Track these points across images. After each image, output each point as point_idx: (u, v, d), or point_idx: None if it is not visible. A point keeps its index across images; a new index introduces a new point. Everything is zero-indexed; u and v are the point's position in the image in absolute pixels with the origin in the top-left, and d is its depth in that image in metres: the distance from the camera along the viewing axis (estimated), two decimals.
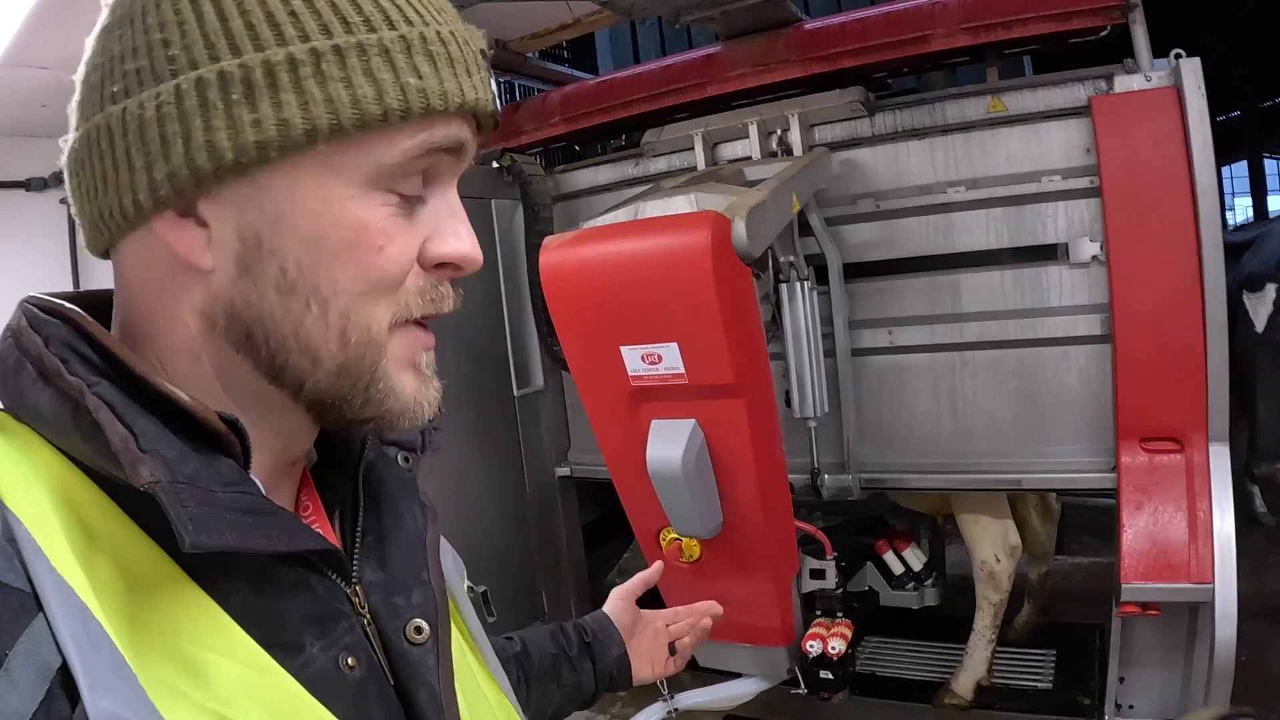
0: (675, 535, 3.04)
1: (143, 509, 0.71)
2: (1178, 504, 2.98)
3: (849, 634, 3.27)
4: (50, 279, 4.83)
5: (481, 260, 0.85)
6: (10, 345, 0.77)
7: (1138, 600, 2.96)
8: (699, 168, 3.66)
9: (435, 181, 0.83)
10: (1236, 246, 3.12)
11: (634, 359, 2.75)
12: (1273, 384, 3.38)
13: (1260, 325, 3.34)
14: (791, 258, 3.23)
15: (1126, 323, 3.07)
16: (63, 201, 4.93)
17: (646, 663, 1.75)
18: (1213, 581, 2.85)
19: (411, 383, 0.85)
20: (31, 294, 0.81)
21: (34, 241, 4.88)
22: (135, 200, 0.75)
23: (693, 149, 3.75)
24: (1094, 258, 3.18)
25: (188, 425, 0.74)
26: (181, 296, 0.79)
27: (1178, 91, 2.92)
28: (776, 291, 3.22)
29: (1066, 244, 3.25)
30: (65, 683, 0.63)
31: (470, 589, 1.16)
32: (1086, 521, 5.57)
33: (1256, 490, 5.22)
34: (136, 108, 0.74)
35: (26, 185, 4.82)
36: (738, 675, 3.36)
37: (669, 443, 2.76)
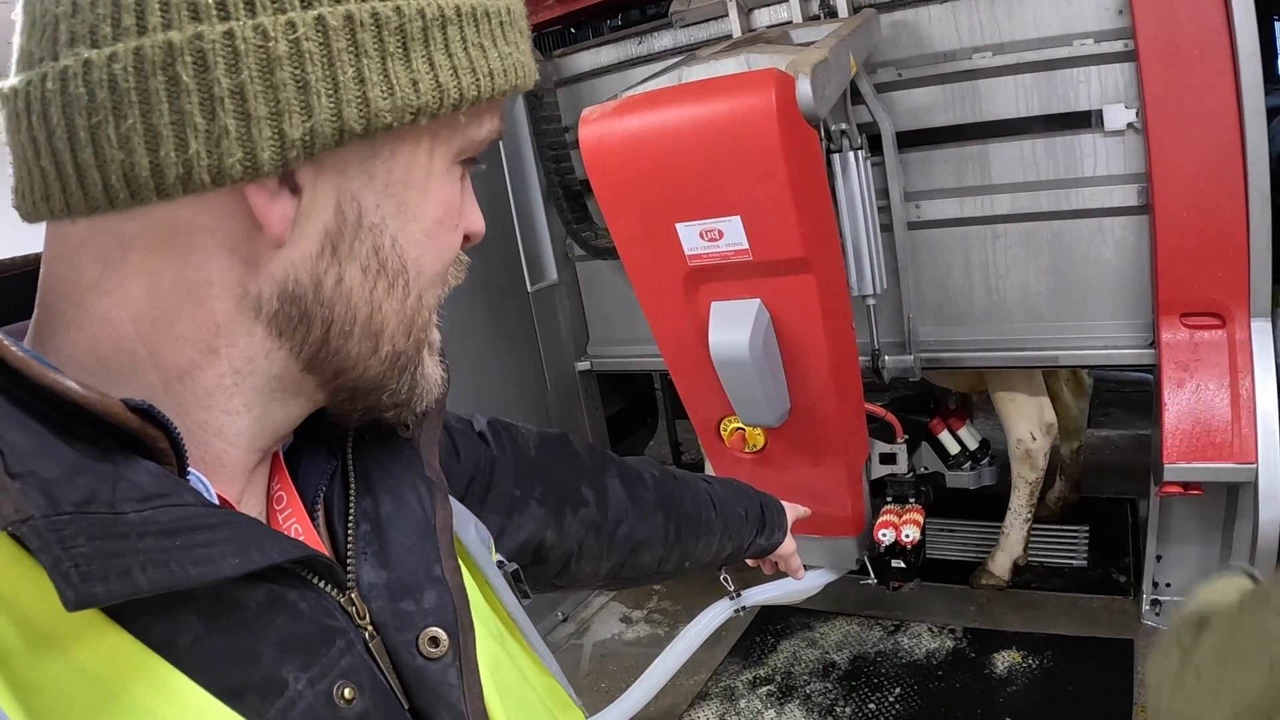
0: (738, 425, 2.91)
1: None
2: (1220, 381, 2.89)
3: (921, 520, 3.18)
4: None
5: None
6: None
7: (1180, 480, 2.90)
8: (734, 35, 3.41)
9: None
10: (1271, 110, 2.97)
11: (691, 236, 2.56)
12: None
13: None
14: (844, 126, 3.02)
15: (1165, 193, 2.94)
16: None
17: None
18: (1256, 461, 2.79)
19: (433, 364, 0.79)
20: None
21: None
22: (240, 159, 0.59)
23: (724, 17, 3.50)
24: (1129, 125, 3.02)
25: (91, 425, 0.58)
26: (221, 277, 0.64)
27: None
28: (829, 163, 2.98)
29: (1100, 111, 3.09)
30: None
31: (500, 564, 0.99)
32: (1113, 394, 5.50)
33: None
34: (255, 36, 0.58)
35: None
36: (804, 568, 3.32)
37: (733, 326, 2.59)
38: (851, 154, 2.96)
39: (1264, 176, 2.79)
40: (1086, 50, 3.05)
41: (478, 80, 0.67)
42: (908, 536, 3.11)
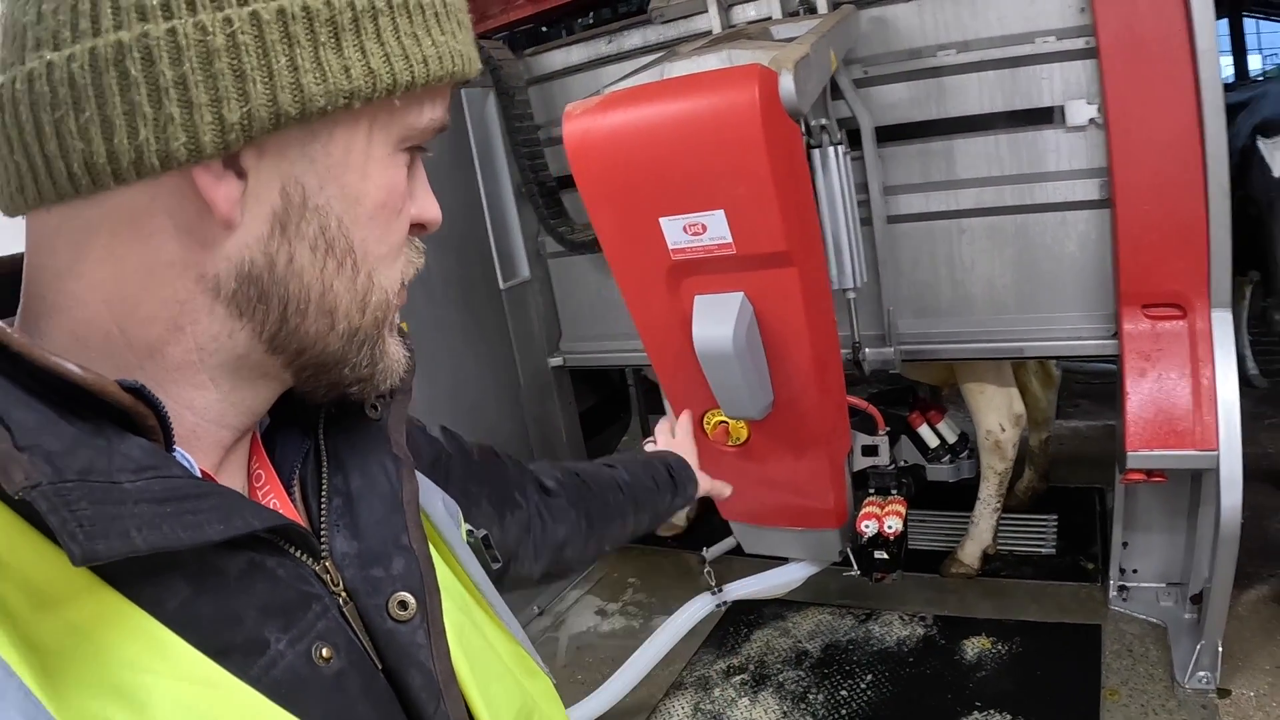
0: (722, 418, 2.92)
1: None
2: (1181, 370, 2.94)
3: (903, 511, 3.21)
4: None
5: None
6: None
7: (1143, 467, 2.96)
8: (713, 31, 3.45)
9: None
10: (1230, 108, 3.03)
11: (675, 230, 2.56)
12: None
13: (1277, 170, 3.26)
14: (824, 121, 3.04)
15: (1127, 187, 2.99)
16: None
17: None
18: (1218, 448, 2.84)
19: (394, 343, 0.83)
20: None
21: None
22: (184, 143, 0.64)
23: (703, 13, 3.52)
24: (1091, 120, 3.08)
25: (84, 404, 0.63)
26: (179, 258, 0.69)
27: None
28: (809, 158, 2.99)
29: (1063, 107, 3.14)
30: None
31: (470, 533, 1.07)
32: (1080, 385, 5.58)
33: (1249, 354, 5.21)
34: (195, 31, 0.63)
35: None
36: (785, 561, 3.35)
37: (717, 319, 2.60)
38: (831, 149, 2.97)
39: (1223, 170, 2.84)
40: (1049, 47, 3.10)
41: (411, 67, 0.71)
42: (890, 528, 3.14)
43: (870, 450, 3.33)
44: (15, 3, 0.66)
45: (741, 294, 2.60)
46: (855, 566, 3.24)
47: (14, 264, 0.74)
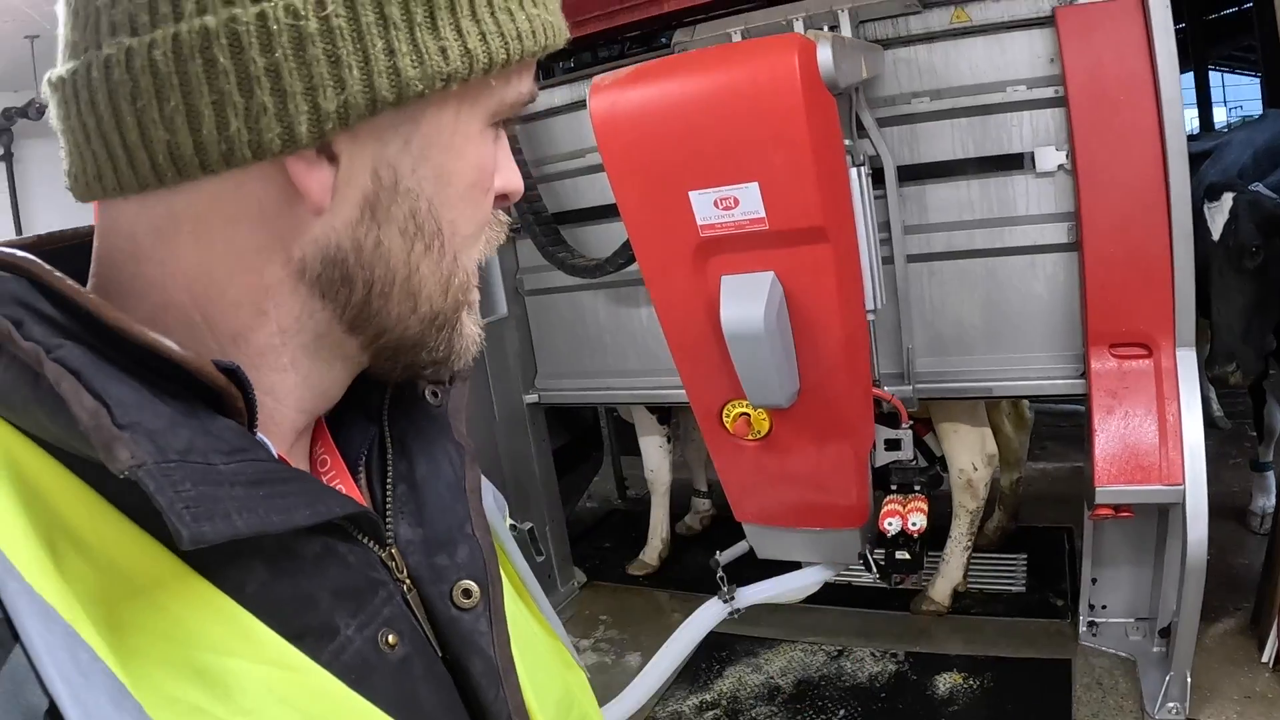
0: (743, 409, 2.84)
1: (126, 493, 0.59)
2: (1148, 408, 3.02)
3: (925, 508, 3.08)
4: None
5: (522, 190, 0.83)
6: None
7: (1111, 503, 3.02)
8: None
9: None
10: (1194, 157, 3.15)
11: (705, 205, 2.48)
12: (1225, 289, 3.45)
13: (1216, 233, 3.39)
14: (848, 142, 2.90)
15: (1094, 231, 3.09)
16: (0, 158, 4.87)
17: None
18: (1183, 483, 2.91)
19: (471, 323, 0.80)
20: None
21: None
22: (278, 134, 0.61)
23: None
24: (1060, 166, 3.18)
25: (176, 383, 0.62)
26: (266, 243, 0.67)
27: (1142, 2, 2.90)
28: None
29: (1032, 153, 3.24)
30: None
31: (513, 526, 1.06)
32: (1050, 428, 5.66)
33: (1214, 395, 5.35)
34: (286, 15, 0.60)
35: None
36: (798, 566, 3.22)
37: (746, 299, 2.50)
38: (854, 169, 2.90)
39: (1186, 214, 2.95)
40: (1020, 96, 3.21)
41: (506, 44, 0.69)
42: (914, 525, 3.02)
43: (893, 444, 3.20)
44: None
45: (771, 274, 2.54)
46: (874, 570, 3.16)
47: (79, 235, 0.75)
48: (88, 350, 0.59)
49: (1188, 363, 3.02)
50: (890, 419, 3.14)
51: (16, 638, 0.52)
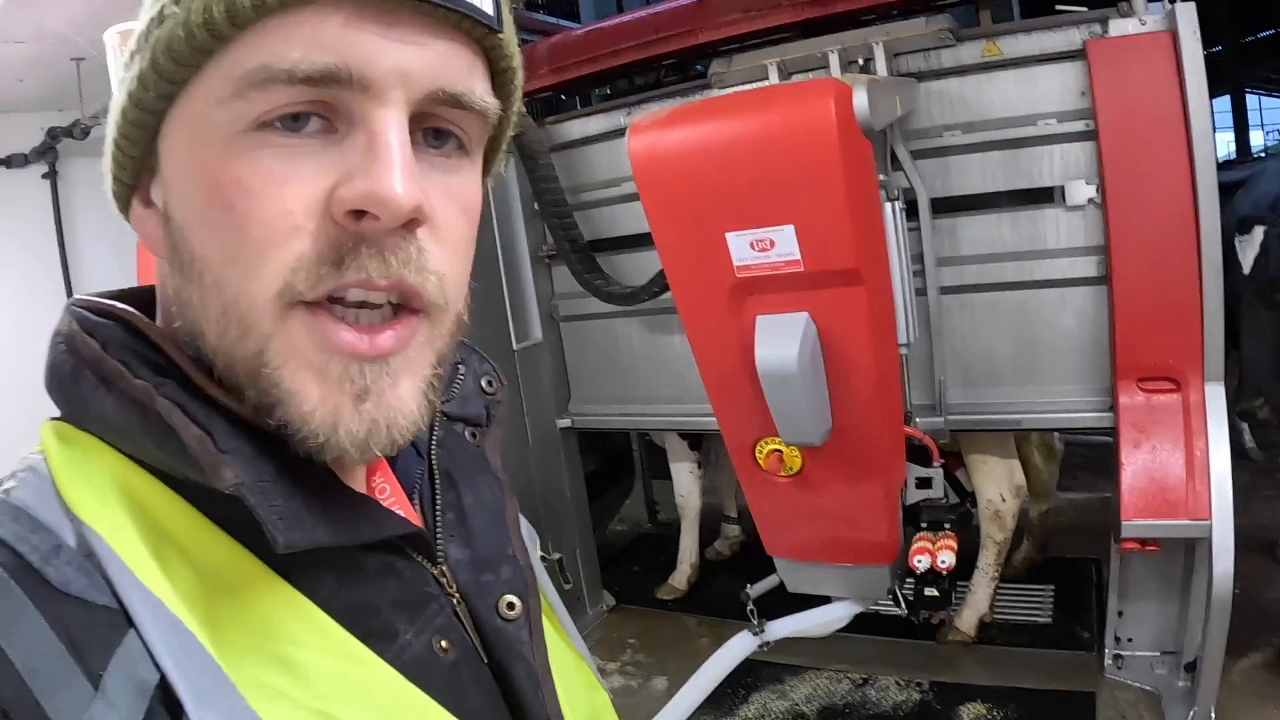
0: (776, 446, 2.88)
1: (219, 508, 0.69)
2: (1175, 442, 3.03)
3: (955, 546, 3.09)
4: (33, 256, 4.84)
5: (402, 200, 0.65)
6: (64, 352, 0.72)
7: (1137, 536, 3.02)
8: None
9: (351, 111, 0.67)
10: (1227, 186, 3.16)
11: (741, 246, 2.53)
12: (1254, 324, 3.45)
13: (1247, 267, 3.40)
14: (883, 177, 2.95)
15: (1123, 264, 3.11)
16: (45, 177, 4.98)
17: None
18: (1210, 518, 2.91)
19: (315, 391, 0.69)
20: (77, 296, 0.78)
21: (17, 218, 4.87)
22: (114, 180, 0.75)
23: (763, 81, 3.47)
24: (1090, 200, 3.20)
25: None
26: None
27: (1173, 35, 2.93)
28: None
29: (1063, 187, 3.26)
30: (165, 699, 0.61)
31: (544, 557, 1.14)
32: (1080, 458, 5.64)
33: (1246, 427, 5.32)
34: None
35: (7, 162, 4.79)
36: (828, 600, 3.24)
37: (781, 339, 2.55)
38: (888, 204, 2.95)
39: (1216, 248, 2.96)
40: (1050, 129, 3.24)
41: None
42: (944, 562, 3.03)
43: (924, 482, 3.22)
44: None
45: (806, 314, 2.58)
46: (902, 606, 3.18)
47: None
48: (184, 389, 0.69)
49: (1216, 398, 3.03)
50: (921, 456, 3.15)
51: (131, 623, 0.62)
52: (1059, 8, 4.61)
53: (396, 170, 0.64)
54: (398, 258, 0.67)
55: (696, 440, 4.79)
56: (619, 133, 4.00)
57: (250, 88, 0.64)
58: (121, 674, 0.61)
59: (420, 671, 0.76)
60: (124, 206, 0.77)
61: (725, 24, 3.65)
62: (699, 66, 4.21)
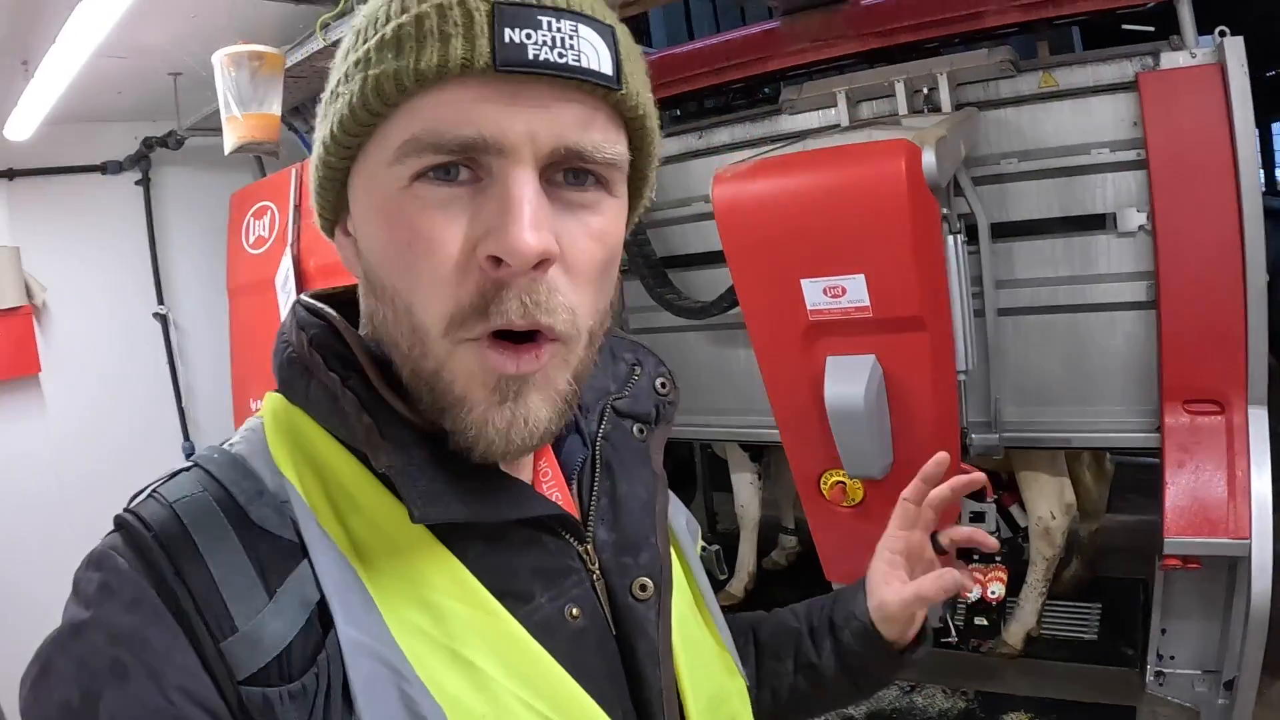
0: (839, 478, 3.04)
1: (389, 477, 0.84)
2: (1218, 463, 3.10)
3: (1005, 578, 3.21)
4: (126, 259, 5.11)
5: (528, 250, 0.76)
6: (284, 341, 0.93)
7: (1179, 554, 3.09)
8: (842, 124, 3.60)
9: (490, 166, 0.80)
10: (1270, 212, 3.22)
11: (815, 292, 2.71)
12: None
13: None
14: (945, 210, 3.04)
15: (1171, 290, 3.19)
16: (138, 183, 5.20)
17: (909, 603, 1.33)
18: (1250, 537, 2.97)
19: (477, 398, 0.83)
20: (304, 294, 0.98)
21: (111, 222, 5.09)
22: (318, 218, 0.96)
23: (831, 108, 3.67)
24: (1141, 227, 3.28)
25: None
26: None
27: (1222, 69, 3.02)
28: None
29: (1115, 214, 3.35)
30: (322, 615, 0.80)
31: (703, 549, 1.26)
32: (1132, 480, 5.65)
33: None
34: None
35: (103, 169, 5.00)
36: None
37: (849, 379, 2.72)
38: (951, 237, 3.06)
39: (1260, 275, 3.04)
40: (1103, 158, 3.33)
41: (351, 99, 0.83)
42: (993, 593, 3.16)
43: (978, 517, 3.38)
44: None
45: (873, 357, 2.75)
46: (954, 634, 3.28)
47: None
48: (366, 383, 0.87)
49: (1258, 420, 3.10)
50: (976, 491, 3.22)
51: (306, 555, 0.82)
52: (1124, 26, 4.70)
53: (525, 223, 0.76)
54: (532, 299, 0.79)
55: (758, 452, 4.90)
56: (690, 155, 4.16)
57: (407, 154, 0.79)
58: (291, 591, 0.80)
59: (548, 632, 0.88)
60: (329, 232, 0.95)
61: (794, 52, 3.78)
62: (765, 90, 4.33)
